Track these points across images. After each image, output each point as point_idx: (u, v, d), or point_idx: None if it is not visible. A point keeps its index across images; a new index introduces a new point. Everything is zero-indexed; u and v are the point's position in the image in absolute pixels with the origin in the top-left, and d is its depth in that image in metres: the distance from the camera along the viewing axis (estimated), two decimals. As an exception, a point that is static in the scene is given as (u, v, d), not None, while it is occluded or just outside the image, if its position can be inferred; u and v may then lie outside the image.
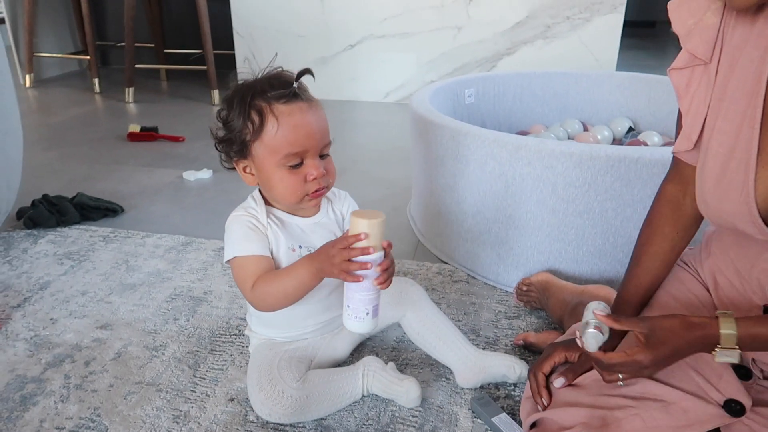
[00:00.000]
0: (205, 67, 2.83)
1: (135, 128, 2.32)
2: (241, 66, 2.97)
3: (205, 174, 1.94)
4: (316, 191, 0.88)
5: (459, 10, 2.71)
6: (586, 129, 1.81)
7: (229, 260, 0.89)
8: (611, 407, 0.73)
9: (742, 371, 0.77)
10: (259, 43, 2.94)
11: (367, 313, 0.82)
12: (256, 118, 0.85)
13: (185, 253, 1.44)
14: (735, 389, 0.72)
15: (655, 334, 0.70)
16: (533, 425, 0.81)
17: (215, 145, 0.91)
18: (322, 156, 0.89)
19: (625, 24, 2.71)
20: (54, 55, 3.41)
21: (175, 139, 2.31)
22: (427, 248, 1.47)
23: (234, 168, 0.92)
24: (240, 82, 0.88)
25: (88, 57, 3.16)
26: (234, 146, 0.88)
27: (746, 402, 0.71)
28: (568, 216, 1.18)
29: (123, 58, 3.23)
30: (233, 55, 3.06)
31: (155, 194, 1.81)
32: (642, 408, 0.72)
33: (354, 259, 0.77)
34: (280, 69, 0.89)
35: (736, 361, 0.67)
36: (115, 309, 1.21)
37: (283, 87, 0.85)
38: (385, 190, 1.83)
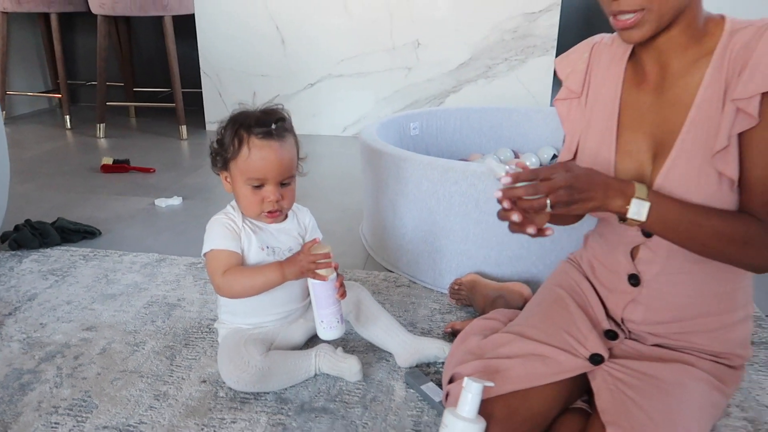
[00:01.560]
0: (173, 105, 3.03)
1: (108, 160, 2.49)
2: (208, 105, 3.18)
3: (176, 201, 2.12)
4: (270, 212, 1.10)
5: (409, 53, 2.99)
6: (517, 156, 2.07)
7: (205, 252, 1.09)
8: (501, 358, 0.94)
9: (610, 334, 0.99)
10: (225, 82, 3.15)
11: (338, 321, 1.09)
12: (236, 143, 1.08)
13: (159, 268, 1.61)
14: (597, 346, 0.94)
15: (576, 167, 0.83)
16: (450, 382, 1.01)
17: (210, 153, 1.13)
18: (284, 184, 1.10)
19: (558, 65, 3.02)
20: (25, 93, 3.56)
21: (147, 171, 2.48)
22: (375, 260, 1.67)
23: (218, 175, 1.14)
24: (240, 109, 1.10)
25: (59, 95, 3.32)
26: (219, 158, 1.10)
27: (605, 354, 0.93)
28: (490, 226, 1.40)
29: (93, 96, 3.40)
30: (200, 93, 3.27)
31: (130, 219, 1.97)
32: (525, 360, 0.93)
33: (317, 271, 1.05)
34: (278, 106, 1.13)
35: (643, 218, 0.80)
36: (98, 314, 1.37)
37: (265, 125, 1.07)
38: (341, 213, 2.04)
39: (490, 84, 2.98)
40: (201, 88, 3.24)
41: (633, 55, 0.94)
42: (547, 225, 0.85)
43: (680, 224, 0.82)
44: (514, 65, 2.94)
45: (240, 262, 1.10)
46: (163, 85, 3.78)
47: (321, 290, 1.08)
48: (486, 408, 0.88)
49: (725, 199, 0.84)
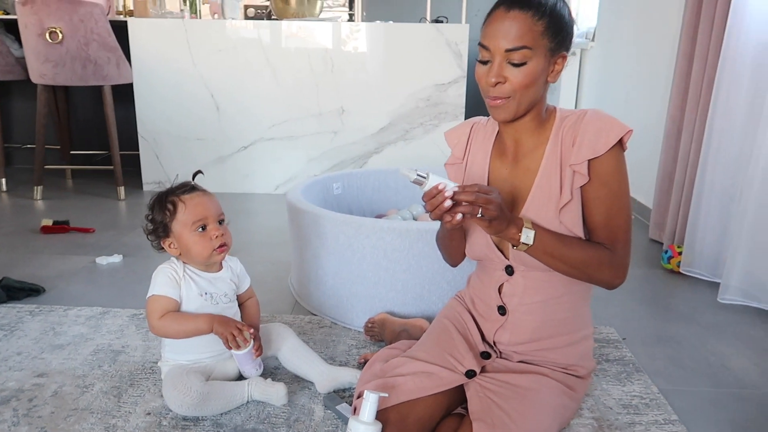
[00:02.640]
0: (111, 167, 3.19)
1: (47, 222, 2.61)
2: (146, 166, 3.36)
3: (116, 258, 2.28)
4: (220, 247, 1.33)
5: (334, 118, 3.30)
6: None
7: (149, 297, 1.29)
8: (397, 376, 1.18)
9: (485, 354, 1.25)
10: (161, 145, 3.35)
11: (255, 370, 1.37)
12: (171, 207, 1.31)
13: (104, 320, 1.77)
14: (472, 363, 1.20)
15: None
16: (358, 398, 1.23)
17: (147, 236, 1.34)
18: (221, 221, 1.35)
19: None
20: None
21: (86, 231, 2.62)
22: (301, 306, 1.90)
23: (162, 248, 1.35)
24: (157, 191, 1.34)
25: (-5, 159, 3.41)
26: (159, 231, 1.31)
27: (477, 370, 1.19)
28: (397, 273, 1.66)
29: (28, 159, 3.50)
30: (137, 155, 3.44)
31: (72, 277, 2.12)
32: (415, 376, 1.17)
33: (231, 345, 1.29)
34: (183, 182, 1.38)
35: (531, 242, 1.06)
36: (48, 363, 1.52)
37: (185, 187, 1.32)
38: (272, 265, 2.25)
39: (408, 146, 3.32)
40: (138, 151, 3.41)
41: (498, 134, 1.25)
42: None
43: (555, 249, 1.10)
44: (429, 129, 3.29)
45: (176, 308, 1.31)
46: (100, 148, 3.92)
47: (238, 356, 1.32)
48: (383, 415, 1.11)
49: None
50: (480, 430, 1.07)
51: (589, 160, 1.11)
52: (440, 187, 1.03)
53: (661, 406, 1.37)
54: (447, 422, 1.18)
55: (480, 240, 1.21)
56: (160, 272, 1.34)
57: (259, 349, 1.35)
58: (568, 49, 1.12)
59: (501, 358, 1.27)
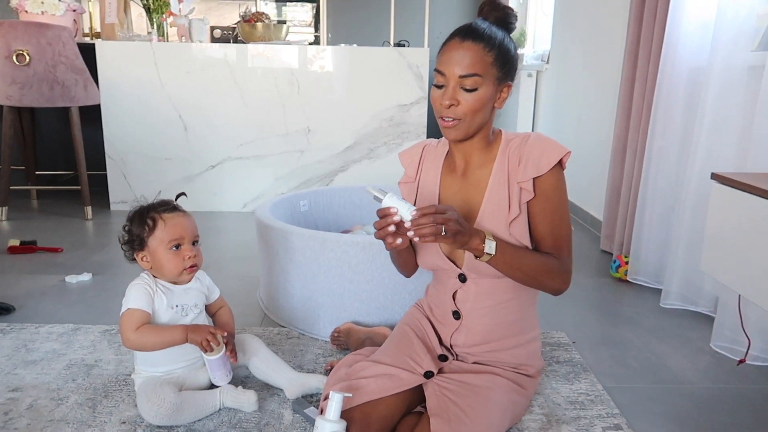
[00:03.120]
0: (78, 187, 3.21)
1: (15, 242, 2.62)
2: (113, 186, 3.39)
3: (86, 277, 2.31)
4: (191, 267, 1.40)
5: (301, 138, 3.39)
6: (391, 227, 2.46)
7: (124, 311, 1.35)
8: (360, 379, 1.27)
9: (442, 357, 1.35)
10: (129, 165, 3.38)
11: (226, 376, 1.42)
12: (150, 222, 1.38)
13: (75, 336, 1.81)
14: (430, 365, 1.29)
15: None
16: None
17: (121, 246, 1.40)
18: (195, 242, 1.42)
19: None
20: None
21: (54, 250, 2.64)
22: (270, 318, 1.97)
23: (134, 260, 1.42)
24: (138, 205, 1.40)
25: (-42, 180, 3.38)
26: (135, 243, 1.38)
27: (435, 371, 1.29)
28: (361, 284, 1.76)
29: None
30: (104, 175, 3.47)
31: (42, 295, 2.15)
32: (377, 378, 1.26)
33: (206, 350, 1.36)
34: (165, 199, 1.45)
35: (493, 252, 1.15)
36: (22, 378, 1.56)
37: (166, 205, 1.40)
38: (241, 280, 2.32)
39: (372, 164, 3.43)
40: (105, 171, 3.44)
41: (449, 153, 1.36)
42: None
43: (514, 259, 1.21)
44: (392, 148, 3.42)
45: (149, 321, 1.37)
46: (66, 168, 3.93)
47: (211, 362, 1.38)
48: (348, 414, 1.20)
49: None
50: (437, 424, 1.16)
51: (534, 178, 1.23)
52: (392, 211, 1.13)
53: (605, 402, 1.49)
54: (407, 420, 1.27)
55: (431, 252, 1.32)
56: (134, 287, 1.40)
57: (233, 354, 1.42)
58: (512, 79, 1.24)
59: (457, 360, 1.37)
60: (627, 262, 2.37)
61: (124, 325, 1.36)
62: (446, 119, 1.21)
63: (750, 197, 1.38)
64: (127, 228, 1.40)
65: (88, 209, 3.22)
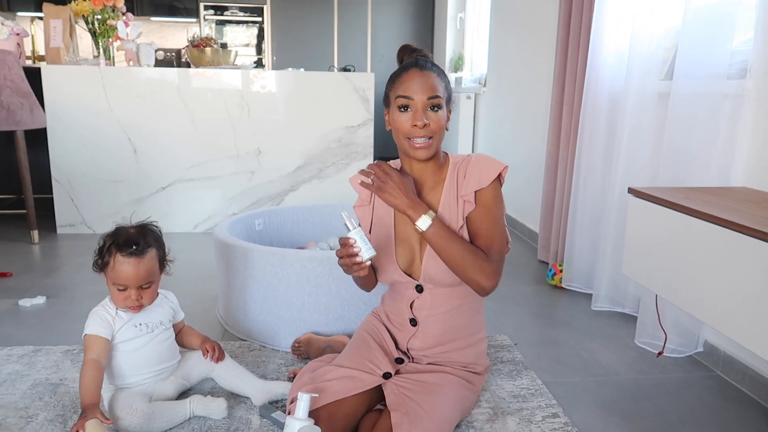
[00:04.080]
0: (23, 211, 3.18)
1: (-40, 268, 2.58)
2: (60, 209, 3.36)
3: (40, 300, 2.31)
4: (132, 307, 1.47)
5: (251, 159, 3.48)
6: (343, 243, 2.58)
7: (83, 335, 1.43)
8: (324, 381, 1.38)
9: (399, 360, 1.48)
10: (77, 188, 3.37)
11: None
12: (107, 256, 1.44)
13: (37, 357, 1.83)
14: (388, 367, 1.42)
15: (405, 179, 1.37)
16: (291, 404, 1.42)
17: (94, 253, 1.46)
18: (144, 287, 1.46)
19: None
20: None
21: (3, 275, 2.62)
22: (230, 333, 2.05)
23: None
24: (118, 225, 1.47)
25: None
26: (97, 266, 1.46)
27: (393, 372, 1.41)
28: (319, 296, 1.87)
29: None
30: (50, 198, 3.44)
31: (-5, 320, 2.14)
32: (340, 380, 1.38)
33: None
34: (151, 223, 1.52)
35: (424, 228, 1.32)
36: (-13, 399, 1.58)
37: (130, 245, 1.43)
38: (197, 298, 2.38)
39: (322, 183, 3.56)
40: (50, 194, 3.41)
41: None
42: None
43: (446, 241, 1.34)
44: (341, 167, 3.55)
45: (106, 345, 1.43)
46: (7, 192, 3.85)
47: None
48: (315, 414, 1.30)
49: None
50: (397, 417, 1.29)
51: (475, 191, 1.39)
52: (351, 242, 1.30)
53: (544, 395, 1.66)
54: (369, 417, 1.39)
55: (390, 270, 1.46)
56: (93, 314, 1.47)
57: (221, 353, 1.58)
58: (450, 104, 1.41)
59: (412, 362, 1.50)
60: (561, 270, 2.58)
61: (84, 349, 1.43)
62: (419, 141, 1.35)
63: (661, 209, 1.59)
64: (97, 248, 1.47)
65: (35, 233, 3.18)
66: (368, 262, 1.31)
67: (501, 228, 1.42)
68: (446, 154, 1.48)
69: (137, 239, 1.45)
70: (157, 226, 1.55)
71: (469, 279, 1.36)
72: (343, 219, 1.32)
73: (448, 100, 1.39)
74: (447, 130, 1.41)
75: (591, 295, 2.39)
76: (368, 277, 1.49)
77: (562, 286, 2.56)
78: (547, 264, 2.86)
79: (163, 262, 1.53)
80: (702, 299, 1.42)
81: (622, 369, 1.84)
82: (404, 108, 1.35)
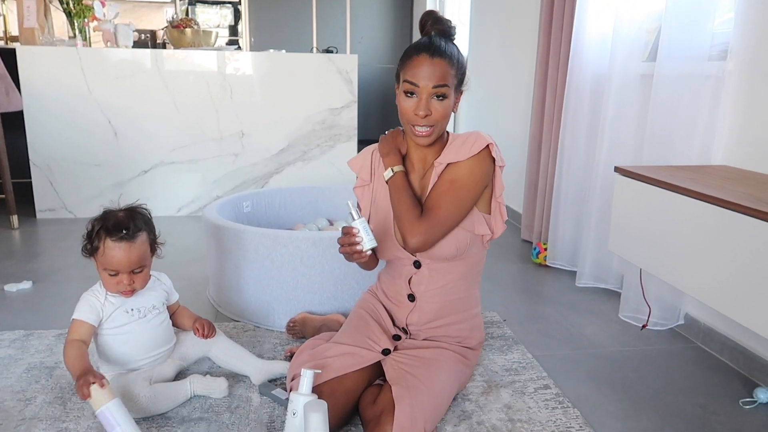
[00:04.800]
0: (2, 196, 3.12)
1: (-60, 254, 2.53)
2: (39, 194, 3.30)
3: (26, 285, 2.29)
4: (125, 291, 1.45)
5: (235, 141, 3.46)
6: (331, 224, 2.61)
7: (72, 319, 1.42)
8: (325, 358, 1.41)
9: (396, 337, 1.51)
10: (56, 172, 3.31)
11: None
12: (96, 241, 1.42)
13: (29, 341, 1.82)
14: (386, 343, 1.45)
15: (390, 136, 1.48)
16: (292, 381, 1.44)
17: (82, 238, 1.44)
18: (135, 271, 1.44)
19: (362, 143, 3.71)
20: None
21: (-15, 260, 2.58)
22: (223, 314, 2.06)
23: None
24: (107, 208, 1.45)
25: None
26: (86, 250, 1.44)
27: (391, 348, 1.45)
28: (313, 276, 1.89)
29: None
30: (27, 182, 3.38)
31: (-19, 305, 2.12)
32: (341, 357, 1.41)
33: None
34: (140, 206, 1.50)
35: (386, 177, 1.43)
36: (-18, 383, 1.57)
37: (119, 230, 1.41)
38: (186, 281, 2.37)
39: (306, 165, 3.55)
40: (27, 179, 3.35)
41: (405, 155, 1.52)
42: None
43: (398, 193, 1.41)
44: (325, 150, 3.56)
45: (90, 331, 1.42)
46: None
47: (99, 417, 1.26)
48: (317, 390, 1.33)
49: (463, 238, 1.43)
50: (398, 391, 1.32)
51: (448, 163, 1.42)
52: (354, 231, 1.33)
53: (535, 368, 1.71)
54: (369, 391, 1.42)
55: (390, 247, 1.48)
56: (82, 299, 1.46)
57: (212, 329, 1.59)
58: (463, 86, 1.42)
59: (410, 338, 1.54)
60: (546, 249, 2.64)
61: (68, 332, 1.42)
62: (421, 129, 1.37)
63: (646, 186, 1.64)
64: (86, 232, 1.44)
65: (14, 218, 3.13)
66: (369, 252, 1.34)
67: (457, 201, 1.40)
68: (448, 133, 1.50)
69: (127, 223, 1.42)
70: (146, 209, 1.53)
71: (401, 231, 1.40)
72: (349, 208, 1.34)
73: (459, 83, 1.40)
74: (455, 112, 1.43)
75: (575, 272, 2.46)
76: (370, 260, 1.52)
77: (547, 264, 2.62)
78: (531, 243, 2.92)
79: (153, 245, 1.52)
80: (686, 272, 1.48)
81: (608, 342, 1.91)
82: (410, 93, 1.36)
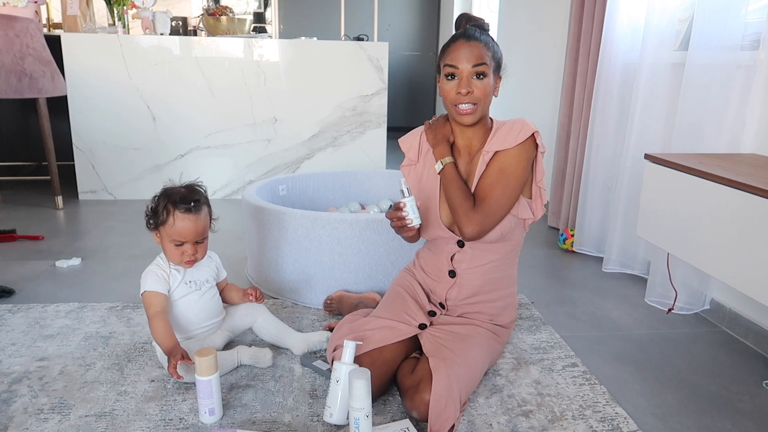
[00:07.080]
0: (47, 177, 3.26)
1: (-7, 231, 2.68)
2: (81, 176, 3.44)
3: (76, 261, 2.42)
4: (188, 261, 1.57)
5: (268, 127, 3.55)
6: (363, 208, 2.69)
7: (141, 293, 1.53)
8: (365, 331, 1.50)
9: (431, 313, 1.59)
10: (97, 155, 3.45)
11: (207, 413, 1.36)
12: (165, 213, 1.53)
13: (83, 312, 1.94)
14: (423, 319, 1.54)
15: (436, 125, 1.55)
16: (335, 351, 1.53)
17: (146, 216, 1.55)
18: (198, 242, 1.57)
19: (390, 130, 3.77)
20: None
21: (35, 238, 2.71)
22: (263, 292, 2.16)
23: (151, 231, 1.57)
24: (169, 185, 1.55)
25: None
26: (151, 223, 1.54)
27: (427, 323, 1.53)
28: (349, 257, 1.98)
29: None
30: (69, 165, 3.52)
31: (36, 279, 2.25)
32: (380, 330, 1.50)
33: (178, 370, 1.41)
34: (198, 183, 1.60)
35: (437, 169, 1.50)
36: (44, 350, 1.69)
37: (186, 202, 1.52)
38: (225, 260, 2.46)
39: (337, 151, 3.64)
40: (70, 161, 3.49)
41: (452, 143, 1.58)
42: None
43: (450, 184, 1.48)
44: (355, 136, 3.63)
45: (165, 301, 1.53)
46: (25, 159, 3.92)
47: (198, 384, 1.36)
48: (358, 360, 1.42)
49: (508, 222, 1.51)
50: (435, 362, 1.40)
51: (496, 151, 1.48)
52: (401, 206, 1.42)
53: (563, 347, 1.78)
54: (406, 363, 1.51)
55: (434, 226, 1.56)
56: (148, 273, 1.56)
57: (260, 295, 1.68)
58: (501, 72, 1.49)
59: (445, 315, 1.62)
60: (573, 235, 2.69)
61: (145, 306, 1.53)
62: (464, 107, 1.44)
63: (676, 173, 1.69)
64: (151, 207, 1.56)
65: (59, 199, 3.27)
66: (416, 226, 1.44)
67: (507, 190, 1.46)
68: (492, 120, 1.56)
69: (192, 197, 1.55)
70: (202, 186, 1.63)
71: (457, 222, 1.48)
72: (401, 185, 1.43)
73: (497, 67, 1.47)
74: (496, 96, 1.49)
75: (602, 258, 2.51)
76: (414, 234, 1.59)
77: (573, 249, 2.68)
78: (557, 229, 2.97)
79: (210, 219, 1.63)
80: (714, 256, 1.54)
81: (634, 325, 1.97)
82: (451, 76, 1.43)
